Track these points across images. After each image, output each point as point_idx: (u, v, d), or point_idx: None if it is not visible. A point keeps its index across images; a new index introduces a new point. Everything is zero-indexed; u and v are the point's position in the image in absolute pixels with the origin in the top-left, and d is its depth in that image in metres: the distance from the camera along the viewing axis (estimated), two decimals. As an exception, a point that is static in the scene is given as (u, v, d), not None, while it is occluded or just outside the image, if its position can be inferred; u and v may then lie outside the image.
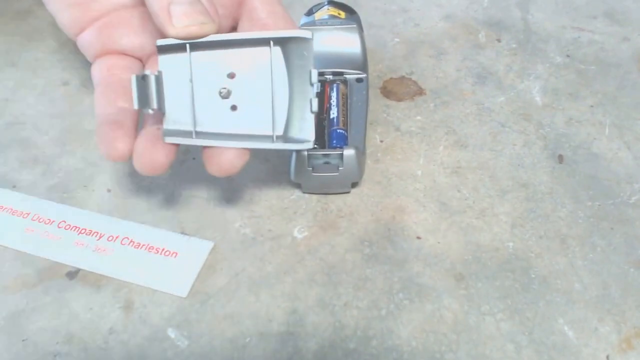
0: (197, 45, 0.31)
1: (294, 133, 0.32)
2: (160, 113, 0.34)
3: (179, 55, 0.31)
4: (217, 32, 0.30)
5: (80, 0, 0.35)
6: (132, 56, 0.36)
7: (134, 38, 0.35)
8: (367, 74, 0.49)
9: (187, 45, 0.30)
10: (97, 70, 0.37)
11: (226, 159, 0.33)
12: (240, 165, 0.34)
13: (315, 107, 0.31)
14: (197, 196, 0.45)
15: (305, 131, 0.32)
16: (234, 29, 0.37)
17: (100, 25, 0.35)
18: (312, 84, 0.31)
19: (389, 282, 0.40)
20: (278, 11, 0.35)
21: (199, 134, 0.34)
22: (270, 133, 0.33)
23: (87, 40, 0.36)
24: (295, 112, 0.32)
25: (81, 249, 0.41)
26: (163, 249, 0.41)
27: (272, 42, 0.31)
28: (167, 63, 0.32)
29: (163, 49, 0.31)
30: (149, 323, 0.38)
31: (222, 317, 0.38)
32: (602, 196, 0.45)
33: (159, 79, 0.32)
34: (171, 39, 0.30)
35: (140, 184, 0.46)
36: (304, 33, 0.30)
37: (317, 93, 0.31)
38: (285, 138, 0.33)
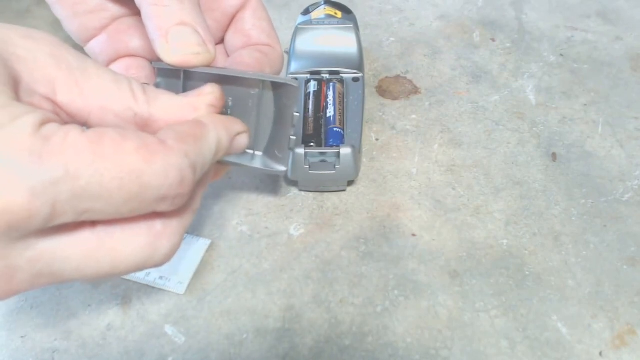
0: (191, 76, 0.31)
1: (272, 159, 0.34)
2: None
3: (174, 81, 0.32)
4: (212, 63, 0.31)
5: (89, 9, 0.36)
6: (143, 57, 0.36)
7: (143, 40, 0.36)
8: (363, 73, 0.49)
9: (182, 73, 0.31)
10: None
11: None
12: (217, 177, 0.35)
13: (292, 145, 0.33)
14: (194, 194, 0.45)
15: (282, 161, 0.33)
16: (222, 40, 0.39)
17: (109, 32, 0.36)
18: (293, 125, 0.32)
19: (384, 279, 0.40)
20: (264, 27, 0.37)
21: None
22: (250, 152, 0.34)
23: (98, 47, 0.37)
24: (276, 142, 0.33)
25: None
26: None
27: (262, 85, 0.32)
28: (163, 84, 0.32)
29: (161, 72, 0.32)
30: (147, 319, 0.38)
31: (219, 313, 0.38)
32: (595, 194, 0.45)
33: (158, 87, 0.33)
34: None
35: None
36: (292, 82, 0.31)
37: (295, 131, 0.34)
38: (263, 160, 0.34)
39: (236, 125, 0.29)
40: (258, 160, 0.34)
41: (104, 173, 0.21)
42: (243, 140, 0.30)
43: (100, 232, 0.23)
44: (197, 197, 0.29)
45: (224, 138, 0.28)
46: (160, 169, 0.23)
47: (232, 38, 0.37)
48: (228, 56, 0.38)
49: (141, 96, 0.26)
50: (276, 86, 0.32)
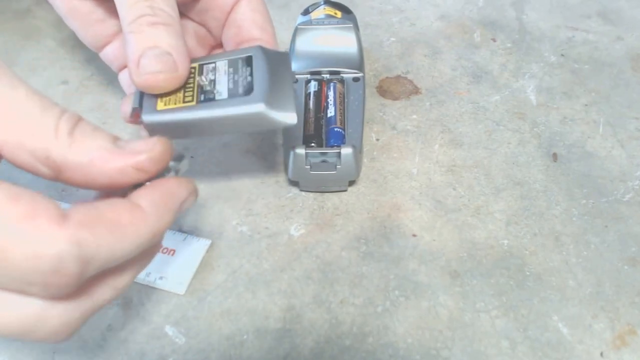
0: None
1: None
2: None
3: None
4: (178, 84, 0.30)
5: (100, 18, 0.36)
6: None
7: None
8: (363, 73, 0.49)
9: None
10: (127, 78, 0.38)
11: None
12: None
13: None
14: (195, 194, 0.45)
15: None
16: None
17: (121, 39, 0.36)
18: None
19: (384, 280, 0.40)
20: (257, 19, 0.36)
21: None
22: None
23: (111, 54, 0.38)
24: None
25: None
26: (161, 247, 0.41)
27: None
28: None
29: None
30: (147, 320, 0.38)
31: (219, 314, 0.38)
32: (596, 194, 0.45)
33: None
34: (156, 117, 0.30)
35: (138, 182, 0.46)
36: (257, 108, 0.30)
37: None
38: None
39: (182, 191, 0.25)
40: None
41: None
42: (190, 203, 0.26)
43: None
44: (111, 284, 0.24)
45: (165, 223, 0.24)
46: (30, 250, 0.19)
47: (226, 32, 0.37)
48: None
49: (64, 136, 0.23)
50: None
